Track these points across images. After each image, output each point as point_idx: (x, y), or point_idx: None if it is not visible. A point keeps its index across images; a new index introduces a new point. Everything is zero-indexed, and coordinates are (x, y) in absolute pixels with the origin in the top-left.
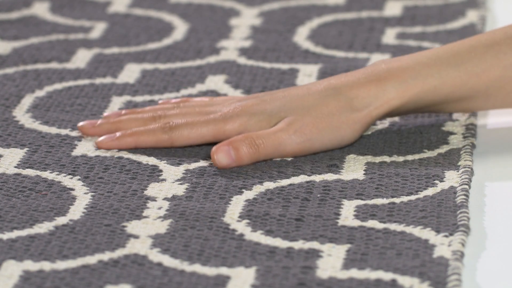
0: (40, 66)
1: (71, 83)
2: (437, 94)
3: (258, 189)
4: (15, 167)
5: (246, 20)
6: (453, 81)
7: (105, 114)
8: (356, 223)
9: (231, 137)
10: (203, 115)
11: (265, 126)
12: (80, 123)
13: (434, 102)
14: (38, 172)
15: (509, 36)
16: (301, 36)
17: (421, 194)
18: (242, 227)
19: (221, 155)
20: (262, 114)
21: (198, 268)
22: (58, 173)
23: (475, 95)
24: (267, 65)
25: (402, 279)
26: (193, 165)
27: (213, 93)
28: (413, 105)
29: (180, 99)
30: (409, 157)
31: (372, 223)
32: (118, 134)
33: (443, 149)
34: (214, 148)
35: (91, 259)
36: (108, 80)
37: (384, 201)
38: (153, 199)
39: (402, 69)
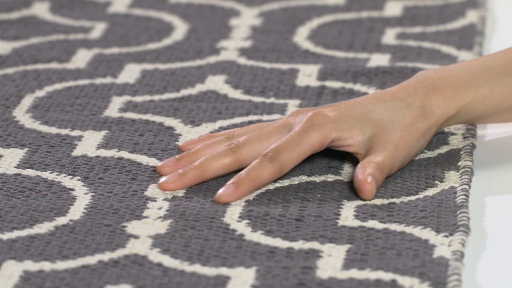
0: (40, 66)
1: (71, 83)
2: (487, 104)
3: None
4: (15, 167)
5: (246, 20)
6: (501, 91)
7: (159, 164)
8: (356, 223)
9: (326, 145)
10: (283, 131)
11: (357, 134)
12: (160, 181)
13: (483, 111)
14: (38, 172)
15: None
16: (301, 36)
17: (421, 194)
18: (242, 227)
19: (370, 187)
20: (350, 119)
21: (198, 268)
22: (58, 173)
23: None
24: (267, 65)
25: (402, 279)
26: None
27: (213, 93)
28: (465, 114)
29: (223, 131)
30: None
31: (372, 223)
32: (230, 183)
33: (443, 149)
34: (362, 178)
35: (91, 259)
36: (108, 80)
37: (384, 201)
38: (153, 199)
39: (454, 78)
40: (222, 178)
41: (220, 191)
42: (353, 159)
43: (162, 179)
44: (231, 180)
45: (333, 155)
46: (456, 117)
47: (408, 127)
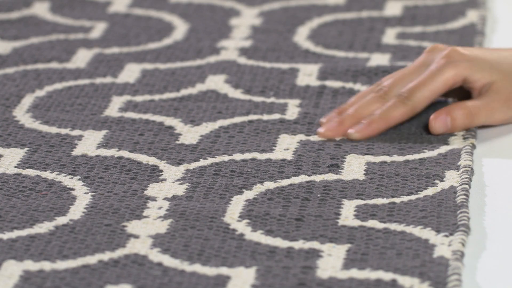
0: (40, 66)
1: (71, 83)
2: None
3: (258, 189)
4: (15, 167)
5: (246, 20)
6: None
7: (322, 119)
8: (356, 223)
9: (459, 83)
10: (422, 69)
11: (486, 77)
12: (320, 129)
13: None
14: (38, 172)
15: None
16: (301, 36)
17: (421, 194)
18: (242, 227)
19: (439, 124)
20: (484, 62)
21: (198, 268)
22: (58, 173)
23: None
24: (267, 64)
25: (402, 279)
26: (193, 165)
27: (213, 93)
28: None
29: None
30: (409, 157)
31: (372, 223)
32: (365, 121)
33: (443, 149)
34: (433, 115)
35: (91, 259)
36: (108, 80)
37: (384, 201)
38: (153, 199)
39: None
40: (222, 177)
41: (352, 129)
42: (353, 159)
43: (322, 128)
44: (364, 120)
45: (333, 155)
46: None
47: None
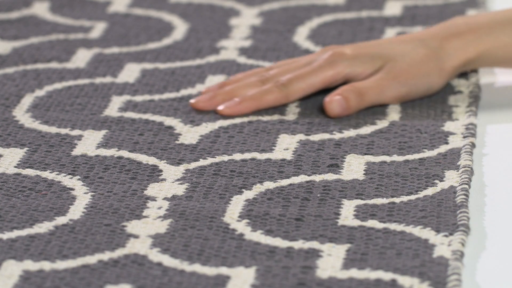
0: (40, 66)
1: (71, 83)
2: (507, 51)
3: (258, 189)
4: (15, 167)
5: (246, 20)
6: None
7: (204, 89)
8: (356, 223)
9: (339, 80)
10: (305, 67)
11: (369, 68)
12: (193, 100)
13: (505, 59)
14: (38, 172)
15: None
16: (301, 36)
17: (421, 194)
18: (242, 227)
19: (335, 105)
20: (365, 56)
21: (198, 268)
22: (58, 173)
23: None
24: (267, 64)
25: (402, 279)
26: (193, 165)
27: None
28: (486, 59)
29: (268, 66)
30: (409, 157)
31: (372, 223)
32: (237, 99)
33: (443, 149)
34: (327, 98)
35: (91, 259)
36: (108, 79)
37: (384, 201)
38: (153, 199)
39: (478, 25)
40: (222, 176)
41: (223, 104)
42: (353, 159)
43: (194, 99)
44: (237, 97)
45: (333, 155)
46: (477, 61)
47: (418, 62)
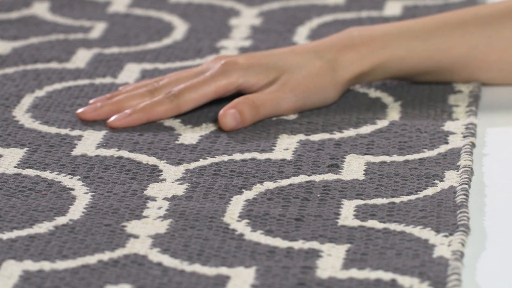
0: (40, 66)
1: (71, 83)
2: (404, 64)
3: (258, 189)
4: (15, 167)
5: (246, 20)
6: (419, 55)
7: (91, 100)
8: (356, 223)
9: (232, 90)
10: (197, 77)
11: (263, 79)
12: (79, 110)
13: (400, 72)
14: (38, 172)
15: (479, 17)
16: (301, 36)
17: (421, 194)
18: (242, 227)
19: (229, 119)
20: (259, 67)
21: (198, 268)
22: (58, 173)
23: (440, 69)
24: None
25: (402, 279)
26: (193, 165)
27: None
28: (381, 72)
29: (156, 78)
30: (409, 157)
31: (372, 223)
32: (128, 111)
33: (443, 149)
34: (221, 112)
35: (91, 259)
36: (108, 80)
37: (384, 201)
38: (153, 199)
39: (373, 38)
40: (222, 177)
41: (113, 116)
42: (353, 159)
43: (81, 109)
44: (128, 110)
45: (333, 155)
46: (371, 74)
47: (313, 75)
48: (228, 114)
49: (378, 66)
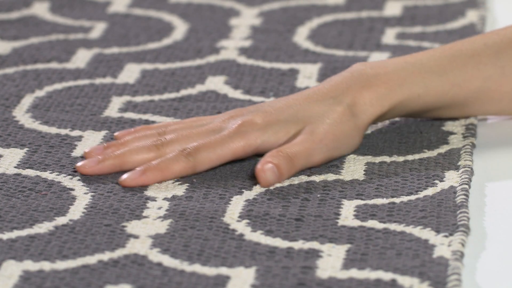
0: (40, 66)
1: (71, 83)
2: (420, 102)
3: (258, 189)
4: (15, 167)
5: (246, 20)
6: (436, 90)
7: (87, 150)
8: (356, 223)
9: (251, 152)
10: (212, 134)
11: (283, 136)
12: (78, 164)
13: (415, 109)
14: (38, 172)
15: (489, 47)
16: (301, 36)
17: (421, 194)
18: (242, 227)
19: (269, 174)
20: (277, 124)
21: (198, 268)
22: (58, 173)
23: (453, 104)
24: (267, 64)
25: (402, 279)
26: None
27: (213, 93)
28: (398, 111)
29: (159, 124)
30: (409, 157)
31: (372, 223)
32: (140, 169)
33: (443, 149)
34: (258, 167)
35: (91, 259)
36: (108, 80)
37: (384, 201)
38: (153, 199)
39: (389, 76)
40: (222, 177)
41: (126, 174)
42: (353, 159)
43: (81, 163)
44: (140, 167)
45: None
46: (390, 113)
47: (337, 122)
48: (267, 170)
49: (396, 106)
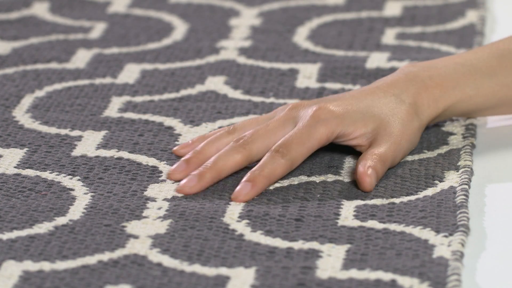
0: (39, 66)
1: (70, 83)
2: (471, 103)
3: None
4: (15, 167)
5: (246, 20)
6: (486, 92)
7: (169, 172)
8: (356, 223)
9: (330, 141)
10: (288, 125)
11: (361, 128)
12: (178, 187)
13: (466, 110)
14: (38, 172)
15: None
16: (301, 36)
17: (421, 194)
18: (241, 227)
19: (373, 178)
20: (355, 114)
21: (197, 268)
22: (57, 173)
23: (502, 104)
24: (267, 64)
25: (402, 279)
26: None
27: (213, 93)
28: (449, 113)
29: (215, 130)
30: (409, 157)
31: (372, 223)
32: (245, 181)
33: (443, 149)
34: (361, 170)
35: (91, 259)
36: (107, 80)
37: (384, 201)
38: (153, 199)
39: (443, 78)
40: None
41: (237, 190)
42: (353, 158)
43: (181, 184)
44: (246, 178)
45: (333, 155)
46: (443, 115)
47: (406, 122)
48: (371, 174)
49: (449, 108)
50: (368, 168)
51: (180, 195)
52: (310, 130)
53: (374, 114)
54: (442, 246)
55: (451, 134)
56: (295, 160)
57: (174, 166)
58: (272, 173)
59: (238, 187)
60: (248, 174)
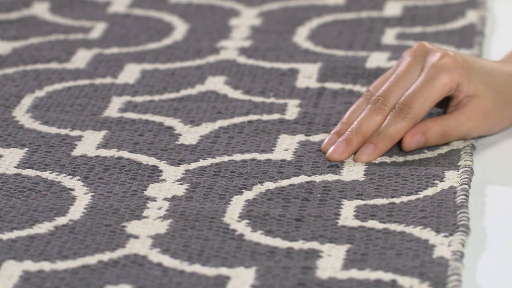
0: (40, 66)
1: (71, 83)
2: None
3: (258, 189)
4: (15, 167)
5: (246, 20)
6: None
7: (322, 146)
8: (356, 223)
9: (450, 92)
10: (411, 78)
11: (472, 87)
12: (327, 154)
13: None
14: (38, 172)
15: None
16: (301, 37)
17: (421, 194)
18: (242, 227)
19: (414, 144)
20: (475, 71)
21: (198, 268)
22: (58, 173)
23: None
24: (267, 64)
25: (402, 280)
26: (193, 165)
27: (213, 93)
28: None
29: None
30: (409, 157)
31: (372, 223)
32: (370, 144)
33: (443, 149)
34: (409, 135)
35: (91, 259)
36: (108, 80)
37: (384, 201)
38: (153, 199)
39: None
40: (222, 177)
41: (361, 150)
42: (353, 159)
43: (329, 152)
44: (369, 139)
45: None
46: None
47: (507, 103)
48: (415, 140)
49: None
50: (415, 134)
51: (180, 194)
52: (432, 82)
53: (488, 82)
54: (442, 246)
55: None
56: (419, 116)
57: (326, 139)
58: (396, 134)
59: (361, 148)
60: (372, 136)
